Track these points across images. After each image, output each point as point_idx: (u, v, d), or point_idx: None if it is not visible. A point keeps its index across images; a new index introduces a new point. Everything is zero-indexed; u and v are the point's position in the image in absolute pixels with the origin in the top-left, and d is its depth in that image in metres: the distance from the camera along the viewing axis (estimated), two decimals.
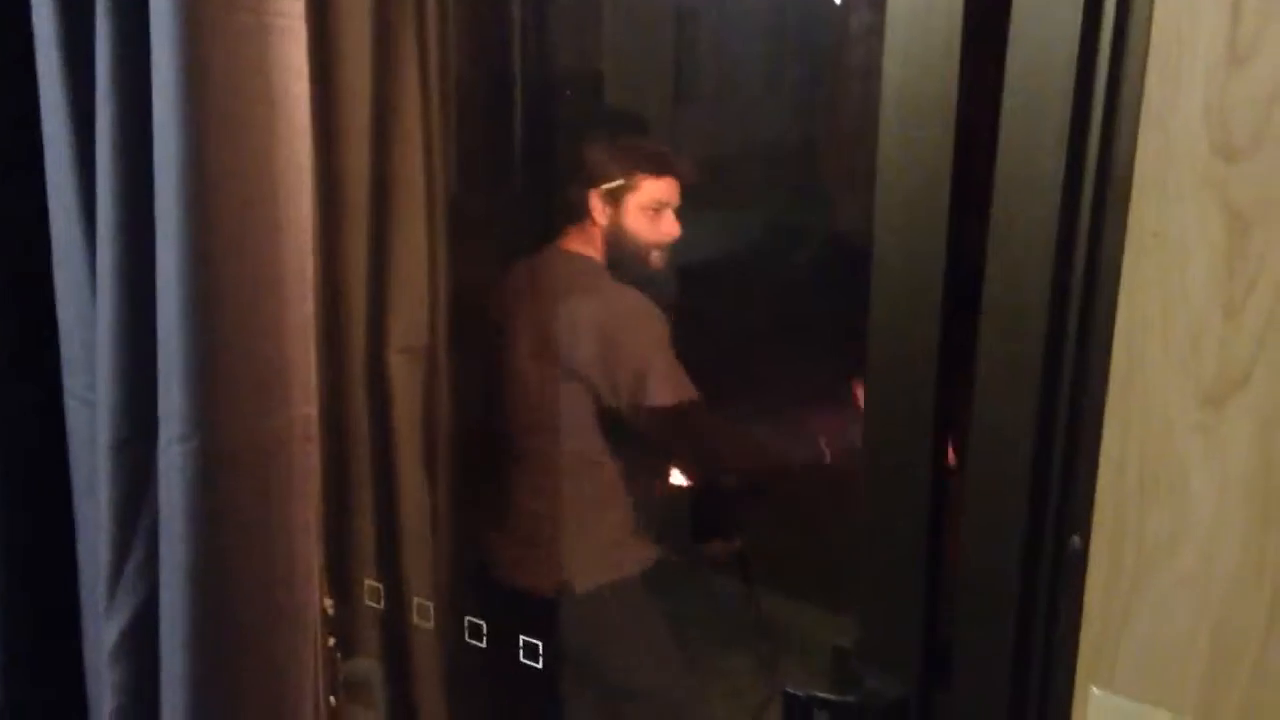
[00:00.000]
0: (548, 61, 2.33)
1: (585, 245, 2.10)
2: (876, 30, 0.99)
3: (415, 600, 1.85)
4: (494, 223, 2.24)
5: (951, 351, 1.00)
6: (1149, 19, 0.85)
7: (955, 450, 1.05)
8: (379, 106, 1.78)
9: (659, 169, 2.05)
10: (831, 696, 1.09)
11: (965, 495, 1.00)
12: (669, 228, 2.05)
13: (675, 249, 2.08)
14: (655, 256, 2.07)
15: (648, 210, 2.04)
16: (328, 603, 1.82)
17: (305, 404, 1.45)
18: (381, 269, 1.80)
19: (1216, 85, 0.83)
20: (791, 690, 1.10)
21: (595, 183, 2.06)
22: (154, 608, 1.47)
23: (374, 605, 1.86)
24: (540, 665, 1.78)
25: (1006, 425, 0.96)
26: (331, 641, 1.83)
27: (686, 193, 2.07)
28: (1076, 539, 0.95)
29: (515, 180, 2.31)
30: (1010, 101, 0.92)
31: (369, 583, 1.84)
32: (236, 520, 1.42)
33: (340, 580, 1.85)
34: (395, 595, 1.86)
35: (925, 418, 1.00)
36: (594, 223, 2.07)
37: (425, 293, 1.85)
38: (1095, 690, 0.96)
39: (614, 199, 2.05)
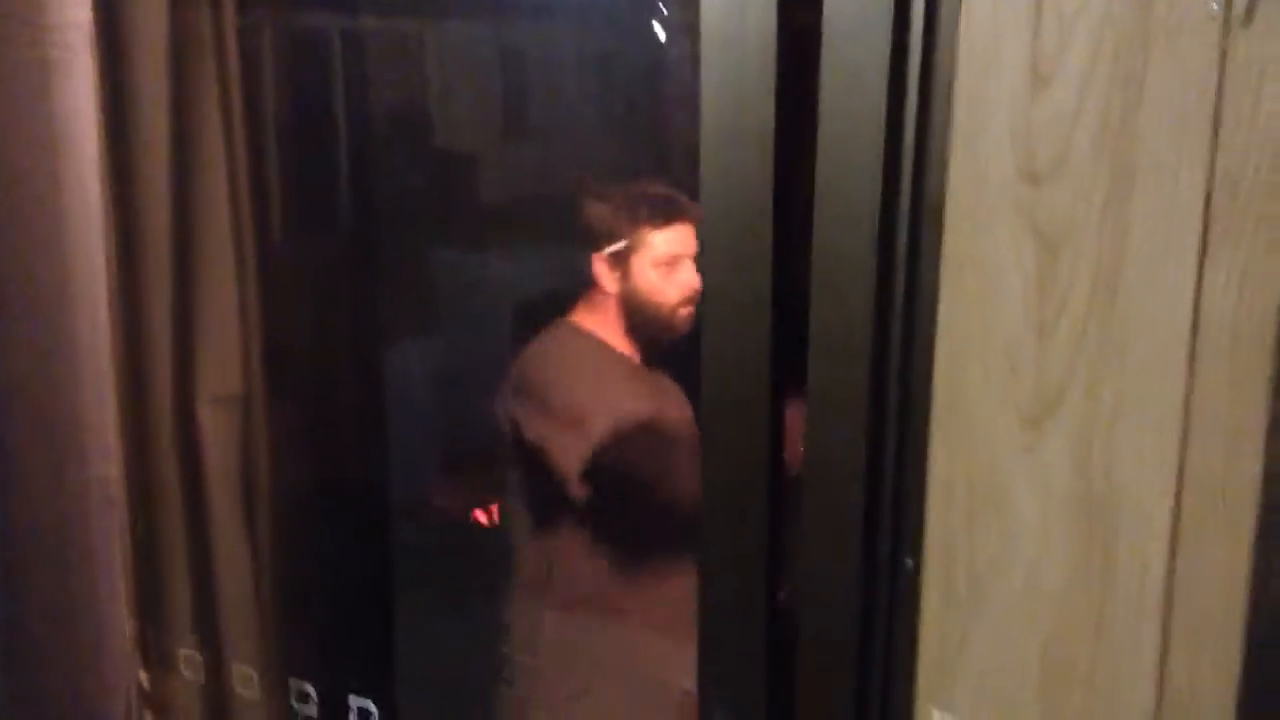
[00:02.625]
0: (368, 100, 2.27)
1: (596, 321, 1.84)
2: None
3: (236, 668, 1.75)
4: (312, 265, 2.15)
5: (784, 384, 0.99)
6: (954, 44, 0.87)
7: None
8: (179, 146, 1.68)
9: (668, 216, 1.77)
10: None
11: (800, 526, 0.99)
12: (690, 279, 1.77)
13: (506, 287, 1.96)
14: (682, 315, 1.79)
15: (661, 265, 1.77)
16: (143, 676, 1.70)
17: (103, 464, 1.36)
18: (187, 316, 1.70)
19: (1020, 108, 0.85)
20: None
21: (598, 245, 1.79)
22: None
23: (193, 676, 1.74)
24: None
25: (837, 453, 0.96)
26: (148, 718, 1.71)
27: (513, 230, 1.91)
28: (909, 561, 0.95)
29: (334, 222, 2.23)
30: (825, 129, 0.91)
31: (185, 652, 1.73)
32: (37, 601, 1.31)
33: (157, 652, 1.73)
34: (214, 664, 1.75)
35: (759, 453, 0.99)
36: (603, 292, 1.81)
37: (238, 339, 1.76)
38: (936, 713, 0.96)
39: (622, 260, 1.79)
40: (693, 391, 1.85)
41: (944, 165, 0.89)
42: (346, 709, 1.67)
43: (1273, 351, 0.79)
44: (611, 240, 1.79)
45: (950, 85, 0.88)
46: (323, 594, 1.86)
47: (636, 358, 1.85)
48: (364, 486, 1.98)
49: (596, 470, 1.76)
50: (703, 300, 0.99)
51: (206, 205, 1.72)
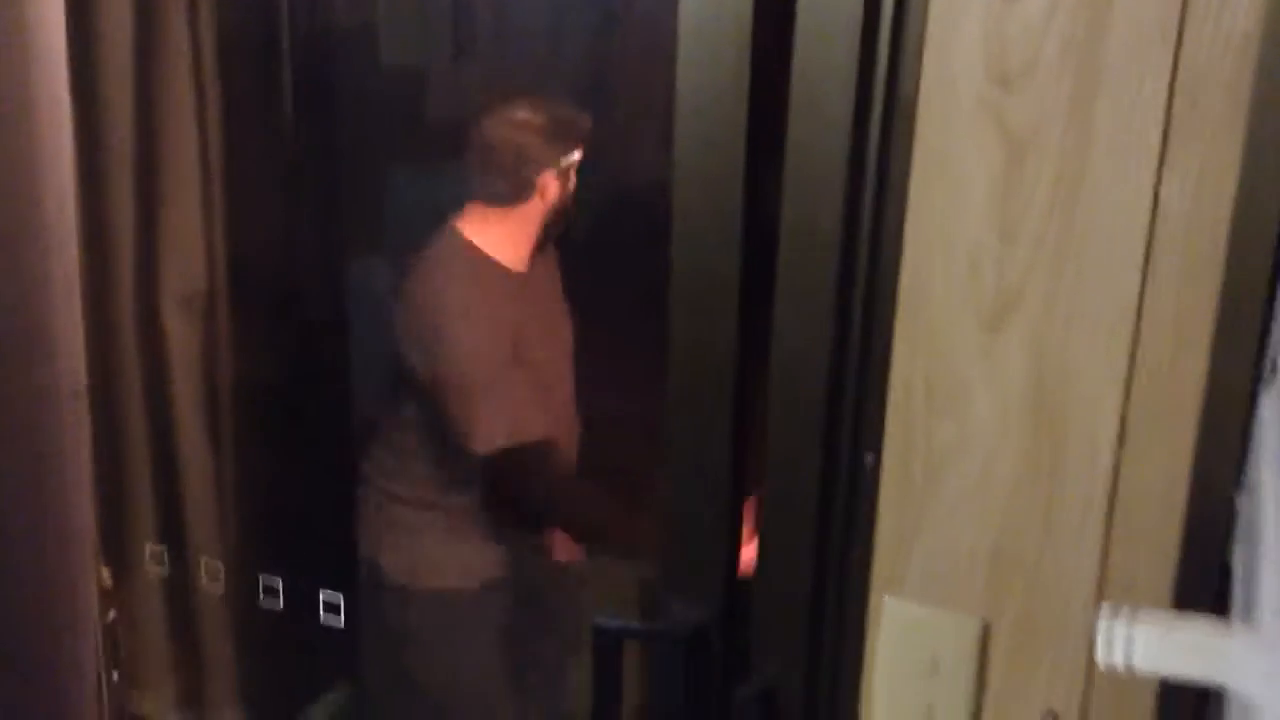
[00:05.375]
0: (323, 11, 2.24)
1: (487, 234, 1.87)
2: None
3: (203, 560, 1.77)
4: (274, 167, 2.14)
5: (752, 284, 1.02)
6: None
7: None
8: (143, 46, 1.67)
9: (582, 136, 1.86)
10: (641, 626, 1.11)
11: (764, 419, 1.03)
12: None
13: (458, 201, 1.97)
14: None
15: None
16: (105, 572, 1.72)
17: (71, 357, 1.36)
18: (151, 214, 1.70)
19: (994, 14, 0.87)
20: (601, 622, 1.11)
21: (553, 155, 1.82)
22: None
23: (157, 569, 1.76)
24: (342, 623, 1.73)
25: (803, 347, 0.99)
26: (111, 614, 1.73)
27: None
28: (870, 456, 0.99)
29: (294, 126, 2.21)
30: (802, 29, 0.93)
31: (151, 546, 1.75)
32: (8, 492, 1.32)
33: (118, 548, 1.74)
34: (180, 557, 1.77)
35: (727, 346, 1.02)
36: (529, 203, 1.84)
37: (201, 239, 1.76)
38: (889, 599, 1.00)
39: (566, 174, 1.83)
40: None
41: (918, 67, 0.91)
42: (316, 601, 1.71)
43: (1224, 256, 0.83)
44: (566, 151, 1.82)
45: None
46: (290, 489, 1.88)
47: (521, 268, 1.88)
48: (326, 384, 1.99)
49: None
50: (675, 191, 1.01)
51: (170, 110, 1.71)
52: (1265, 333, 0.82)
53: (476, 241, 1.85)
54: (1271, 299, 0.81)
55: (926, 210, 0.93)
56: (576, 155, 1.84)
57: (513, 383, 1.81)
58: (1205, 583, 0.88)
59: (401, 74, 2.30)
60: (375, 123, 2.26)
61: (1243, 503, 0.83)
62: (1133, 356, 0.89)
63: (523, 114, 1.83)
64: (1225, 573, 0.85)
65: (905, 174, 0.92)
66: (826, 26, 0.92)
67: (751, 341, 1.03)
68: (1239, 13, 0.80)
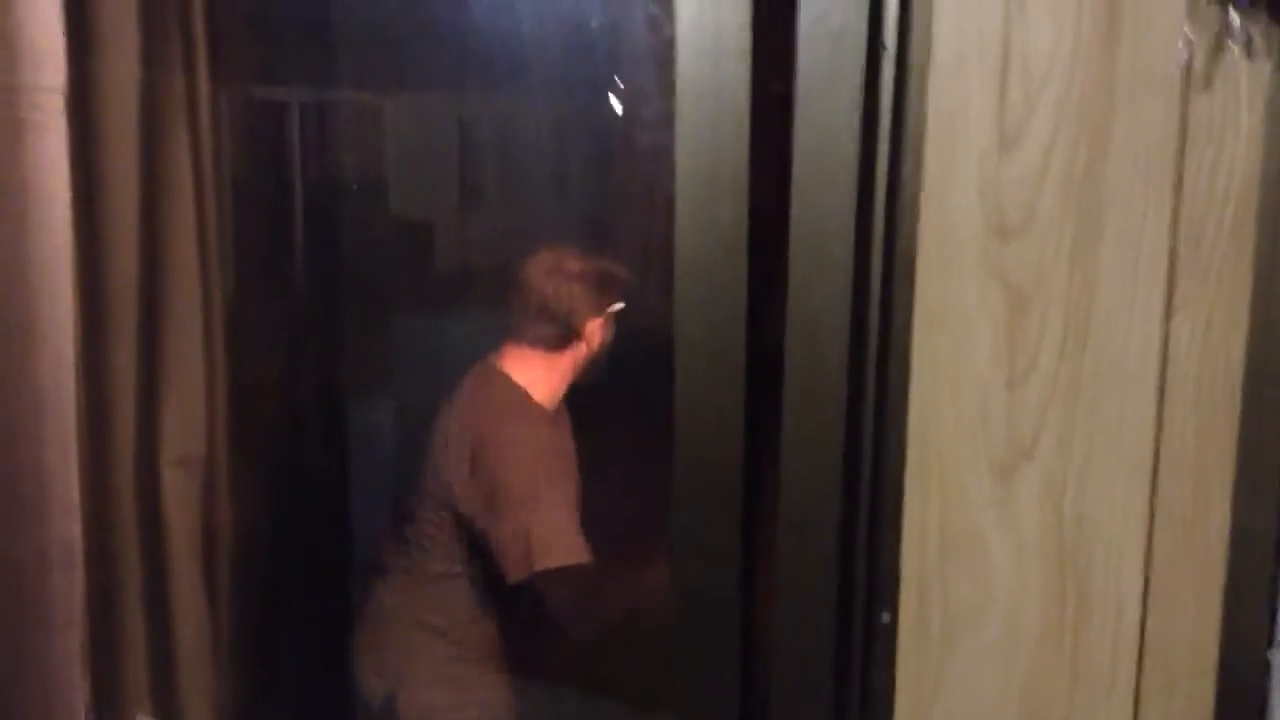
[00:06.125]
0: (334, 167, 2.28)
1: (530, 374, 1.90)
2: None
3: None
4: (277, 330, 2.15)
5: (757, 434, 1.00)
6: (923, 105, 0.89)
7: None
8: (148, 209, 1.68)
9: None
10: None
11: (775, 581, 1.00)
12: None
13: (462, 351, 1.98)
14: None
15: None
16: None
17: (66, 524, 1.33)
18: (153, 379, 1.68)
19: (989, 168, 0.88)
20: None
21: (598, 305, 1.86)
22: None
23: None
24: None
25: (812, 505, 0.96)
26: None
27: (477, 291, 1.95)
28: (885, 614, 0.96)
29: (298, 287, 2.23)
30: (799, 180, 0.94)
31: (143, 718, 1.68)
32: None
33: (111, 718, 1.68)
34: None
35: (732, 499, 1.00)
36: (578, 349, 1.87)
37: (202, 402, 1.74)
38: None
39: (610, 319, 1.88)
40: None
41: (915, 221, 0.91)
42: None
43: (1239, 397, 0.81)
44: (610, 301, 1.87)
45: (920, 144, 0.91)
46: (284, 658, 1.82)
47: (553, 408, 1.89)
48: (327, 548, 1.96)
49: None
50: (678, 354, 1.00)
51: (175, 269, 1.71)
52: None
53: (516, 379, 1.89)
54: None
55: (931, 361, 0.91)
56: (619, 306, 1.89)
57: (546, 513, 1.79)
58: None
59: (409, 226, 2.34)
60: (383, 275, 2.29)
61: (1277, 659, 0.80)
62: (1152, 502, 0.86)
63: (573, 265, 1.88)
64: None
65: (908, 325, 0.91)
66: (822, 181, 0.92)
67: (758, 495, 1.01)
68: (1238, 150, 0.80)
